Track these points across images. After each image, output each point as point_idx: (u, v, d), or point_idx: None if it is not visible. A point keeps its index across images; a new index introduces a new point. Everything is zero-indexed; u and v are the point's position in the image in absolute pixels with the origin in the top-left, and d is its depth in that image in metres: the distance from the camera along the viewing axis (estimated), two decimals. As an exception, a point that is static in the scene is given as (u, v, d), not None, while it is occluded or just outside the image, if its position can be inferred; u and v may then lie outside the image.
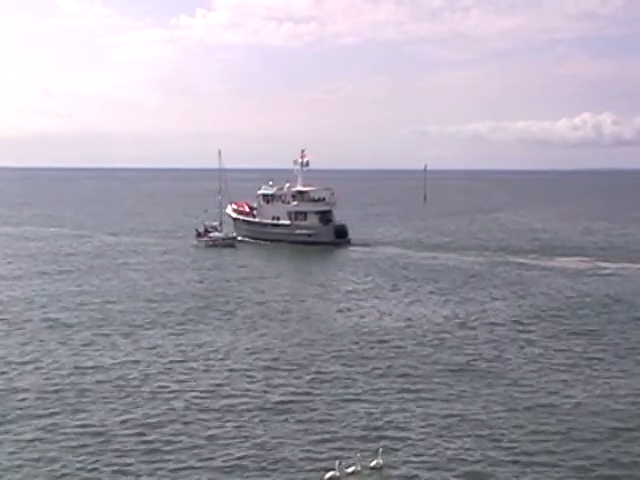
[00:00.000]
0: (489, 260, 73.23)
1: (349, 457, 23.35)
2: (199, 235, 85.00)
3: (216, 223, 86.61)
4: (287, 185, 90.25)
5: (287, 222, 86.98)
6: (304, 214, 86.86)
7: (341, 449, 24.58)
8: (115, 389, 30.86)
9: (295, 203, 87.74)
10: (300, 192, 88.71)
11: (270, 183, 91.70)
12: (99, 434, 26.10)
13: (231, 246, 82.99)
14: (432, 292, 54.84)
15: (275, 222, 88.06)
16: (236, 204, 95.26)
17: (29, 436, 25.93)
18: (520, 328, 42.78)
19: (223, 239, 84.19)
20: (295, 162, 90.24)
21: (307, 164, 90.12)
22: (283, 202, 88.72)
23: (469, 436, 25.92)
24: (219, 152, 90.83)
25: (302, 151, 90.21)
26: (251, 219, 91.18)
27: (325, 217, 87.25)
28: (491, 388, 31.28)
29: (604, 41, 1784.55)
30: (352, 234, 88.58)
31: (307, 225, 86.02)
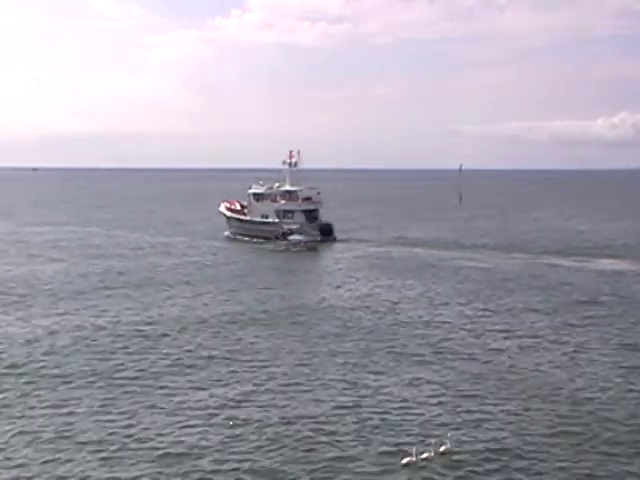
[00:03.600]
0: (527, 261, 72.66)
1: (421, 442, 25.03)
2: (277, 238, 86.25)
3: (296, 226, 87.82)
4: (276, 185, 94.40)
5: (275, 220, 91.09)
6: (291, 212, 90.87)
7: (412, 435, 26.21)
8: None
9: (283, 202, 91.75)
10: (288, 191, 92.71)
11: (261, 182, 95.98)
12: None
13: (313, 249, 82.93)
14: (465, 294, 54.21)
15: (264, 220, 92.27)
16: (229, 202, 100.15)
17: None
18: (565, 336, 41.30)
19: (305, 242, 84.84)
20: (284, 162, 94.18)
21: (296, 164, 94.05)
22: (272, 201, 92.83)
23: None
24: (298, 152, 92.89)
25: (290, 152, 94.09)
26: (242, 217, 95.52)
27: (311, 215, 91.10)
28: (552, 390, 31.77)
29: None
30: (382, 233, 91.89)
31: (294, 223, 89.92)
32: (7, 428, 26.96)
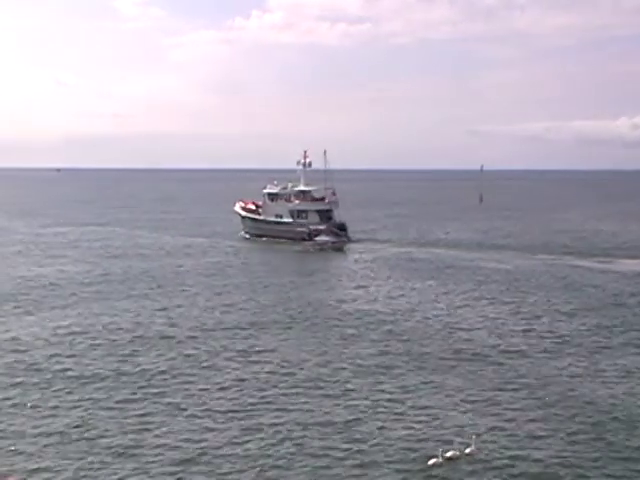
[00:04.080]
0: (549, 262, 72.54)
1: (447, 444, 25.30)
2: (303, 239, 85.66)
3: (323, 226, 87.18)
4: (290, 185, 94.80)
5: (289, 220, 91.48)
6: (305, 212, 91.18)
7: (436, 437, 26.49)
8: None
9: (297, 202, 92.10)
10: (302, 191, 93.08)
11: (275, 182, 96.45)
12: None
13: (340, 250, 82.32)
14: (486, 296, 53.97)
15: (278, 220, 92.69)
16: (243, 202, 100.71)
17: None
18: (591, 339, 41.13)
19: (333, 243, 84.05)
20: (298, 163, 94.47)
21: (310, 165, 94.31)
22: (286, 201, 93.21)
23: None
24: (324, 152, 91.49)
25: (305, 152, 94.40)
26: (256, 217, 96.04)
27: (325, 215, 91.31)
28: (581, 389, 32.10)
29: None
30: (403, 234, 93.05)
31: (308, 223, 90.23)
32: (30, 429, 27.18)
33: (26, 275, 61.90)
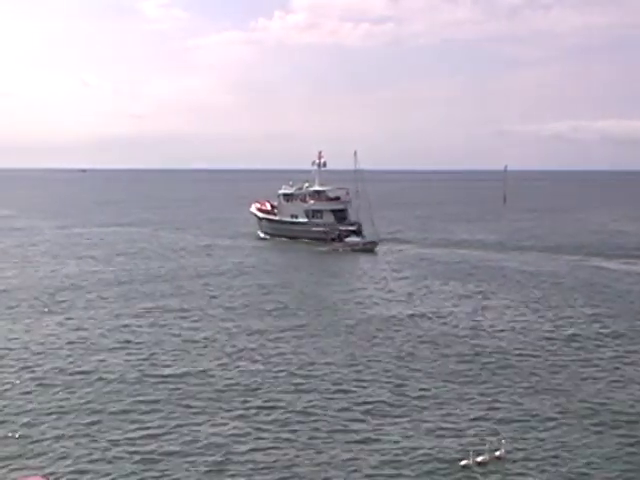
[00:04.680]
0: (573, 263, 72.27)
1: (478, 445, 25.49)
2: (333, 240, 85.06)
3: (353, 227, 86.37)
4: (306, 185, 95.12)
5: (304, 220, 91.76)
6: (320, 212, 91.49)
7: (466, 439, 26.70)
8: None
9: (312, 202, 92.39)
10: (317, 191, 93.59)
11: (290, 183, 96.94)
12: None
13: (370, 251, 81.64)
14: (512, 297, 53.98)
15: (293, 220, 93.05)
16: (259, 203, 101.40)
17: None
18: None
19: (364, 244, 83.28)
20: (313, 163, 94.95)
21: (324, 165, 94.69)
22: (301, 201, 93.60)
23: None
24: (355, 153, 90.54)
25: (319, 152, 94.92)
26: (272, 217, 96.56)
27: (340, 215, 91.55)
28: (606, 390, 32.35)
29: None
30: (427, 235, 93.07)
31: (322, 222, 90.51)
32: (53, 430, 27.58)
33: (51, 275, 62.96)
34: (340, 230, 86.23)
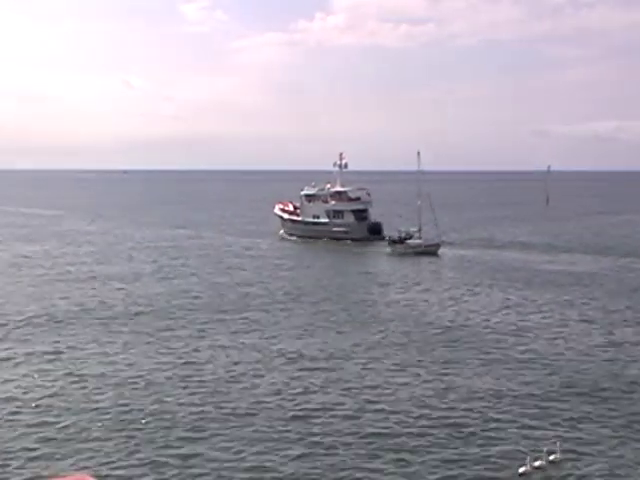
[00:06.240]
0: (618, 265, 71.21)
1: (535, 451, 25.12)
2: (394, 242, 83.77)
3: (415, 229, 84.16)
4: (327, 186, 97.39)
5: (326, 220, 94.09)
6: (341, 212, 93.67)
7: (519, 444, 26.38)
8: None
9: (333, 202, 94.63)
10: (338, 192, 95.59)
11: (312, 184, 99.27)
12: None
13: (433, 254, 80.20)
14: (555, 300, 53.12)
15: (315, 220, 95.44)
16: (282, 204, 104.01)
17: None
18: None
19: (426, 246, 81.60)
20: (334, 164, 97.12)
21: (346, 166, 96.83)
22: (323, 201, 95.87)
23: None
24: (418, 153, 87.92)
25: (340, 154, 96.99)
26: (295, 217, 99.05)
27: (360, 215, 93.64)
28: None
29: None
30: (469, 236, 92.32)
31: (343, 222, 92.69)
32: (102, 433, 27.39)
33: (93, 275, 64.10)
34: (400, 232, 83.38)
